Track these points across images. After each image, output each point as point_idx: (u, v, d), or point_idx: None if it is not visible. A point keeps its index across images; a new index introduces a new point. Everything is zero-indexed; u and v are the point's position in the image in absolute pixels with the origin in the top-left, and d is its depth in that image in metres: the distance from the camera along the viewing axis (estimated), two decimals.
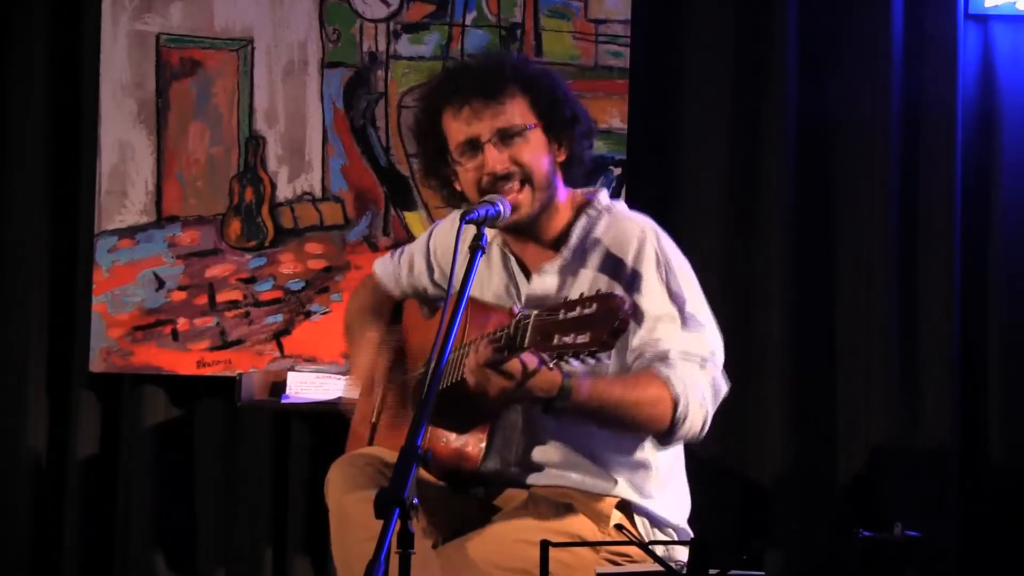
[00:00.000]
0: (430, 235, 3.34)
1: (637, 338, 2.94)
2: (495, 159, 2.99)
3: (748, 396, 4.56)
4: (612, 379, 2.90)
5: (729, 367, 4.56)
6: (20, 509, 4.72)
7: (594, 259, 3.03)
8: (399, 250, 3.44)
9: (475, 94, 3.00)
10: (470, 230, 2.86)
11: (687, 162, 4.68)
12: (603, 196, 3.13)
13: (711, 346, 2.97)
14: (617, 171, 4.62)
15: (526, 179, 2.99)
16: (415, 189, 4.72)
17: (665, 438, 2.93)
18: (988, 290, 4.55)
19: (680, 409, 2.87)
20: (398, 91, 4.73)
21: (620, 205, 3.14)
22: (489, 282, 3.12)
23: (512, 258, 3.12)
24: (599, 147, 4.39)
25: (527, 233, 3.09)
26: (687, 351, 2.92)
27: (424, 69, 4.70)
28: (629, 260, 2.99)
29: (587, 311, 2.57)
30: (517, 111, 3.01)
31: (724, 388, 2.98)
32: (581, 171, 3.12)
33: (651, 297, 2.95)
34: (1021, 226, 4.55)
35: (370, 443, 3.17)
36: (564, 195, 3.09)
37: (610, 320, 2.54)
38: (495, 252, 3.13)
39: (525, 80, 3.03)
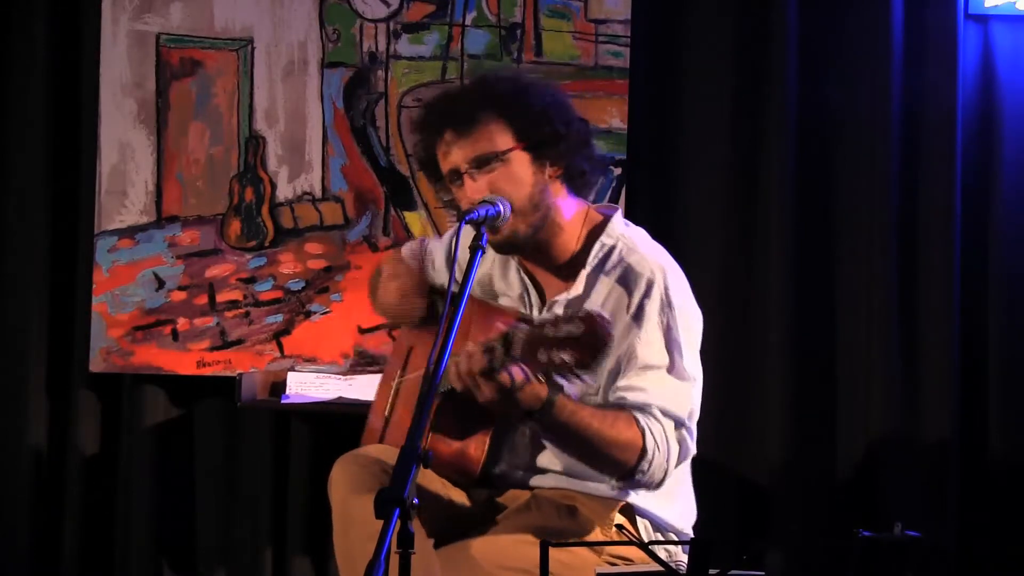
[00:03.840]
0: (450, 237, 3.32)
1: (625, 379, 2.96)
2: (472, 189, 2.98)
3: (748, 396, 4.56)
4: (594, 410, 2.91)
5: (729, 367, 4.57)
6: (20, 509, 4.72)
7: (601, 292, 3.01)
8: (420, 240, 3.37)
9: (448, 125, 2.99)
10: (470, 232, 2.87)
11: (687, 162, 4.68)
12: (618, 220, 3.09)
13: (691, 404, 2.99)
14: (617, 171, 4.62)
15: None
16: (415, 189, 4.72)
17: (622, 480, 2.96)
18: (988, 290, 4.55)
19: (645, 462, 2.91)
20: (398, 91, 4.73)
21: (636, 232, 3.10)
22: (508, 290, 3.12)
23: (524, 273, 3.11)
24: (599, 147, 4.37)
25: (535, 252, 3.06)
26: (668, 409, 2.94)
27: (424, 69, 4.70)
28: (635, 299, 2.97)
29: (574, 331, 2.60)
30: (494, 136, 2.97)
31: (692, 452, 3.02)
32: (583, 181, 3.08)
33: (648, 343, 2.95)
34: (1021, 226, 4.55)
35: (381, 439, 3.17)
36: (571, 211, 3.06)
37: (593, 343, 2.59)
38: (512, 263, 3.12)
39: (500, 102, 2.98)
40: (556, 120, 3.01)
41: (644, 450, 2.90)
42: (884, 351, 4.51)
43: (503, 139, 2.98)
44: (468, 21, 4.71)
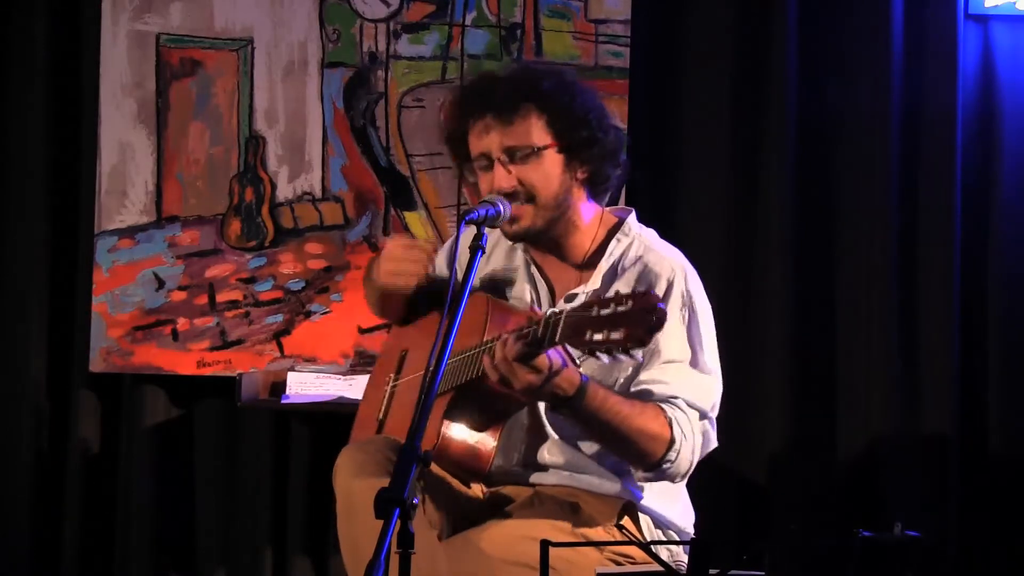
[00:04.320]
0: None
1: (647, 374, 2.97)
2: (501, 177, 3.00)
3: (748, 396, 4.55)
4: (623, 398, 2.91)
5: (729, 366, 4.55)
6: (20, 509, 4.72)
7: (623, 289, 3.00)
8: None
9: (489, 109, 3.01)
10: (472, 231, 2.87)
11: (687, 162, 4.68)
12: (633, 220, 3.12)
13: (713, 397, 3.02)
14: (617, 171, 4.61)
15: (530, 198, 3.00)
16: (415, 189, 4.72)
17: (649, 471, 2.96)
18: (988, 289, 4.55)
19: (672, 452, 2.92)
20: (398, 91, 4.73)
21: (649, 233, 3.13)
22: (512, 291, 3.13)
23: (535, 268, 3.12)
24: None
25: (548, 248, 3.09)
26: (692, 401, 2.96)
27: (424, 69, 4.70)
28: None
29: (622, 308, 2.57)
30: (532, 130, 3.00)
31: (713, 444, 3.03)
32: (604, 190, 3.11)
33: (669, 338, 2.96)
34: (1021, 226, 4.55)
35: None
36: (589, 214, 3.08)
37: (646, 318, 2.54)
38: (519, 259, 3.13)
39: (542, 99, 3.01)
40: (595, 126, 3.05)
41: (672, 440, 2.91)
42: (884, 351, 4.51)
43: (541, 135, 3.01)
44: (468, 21, 4.71)
